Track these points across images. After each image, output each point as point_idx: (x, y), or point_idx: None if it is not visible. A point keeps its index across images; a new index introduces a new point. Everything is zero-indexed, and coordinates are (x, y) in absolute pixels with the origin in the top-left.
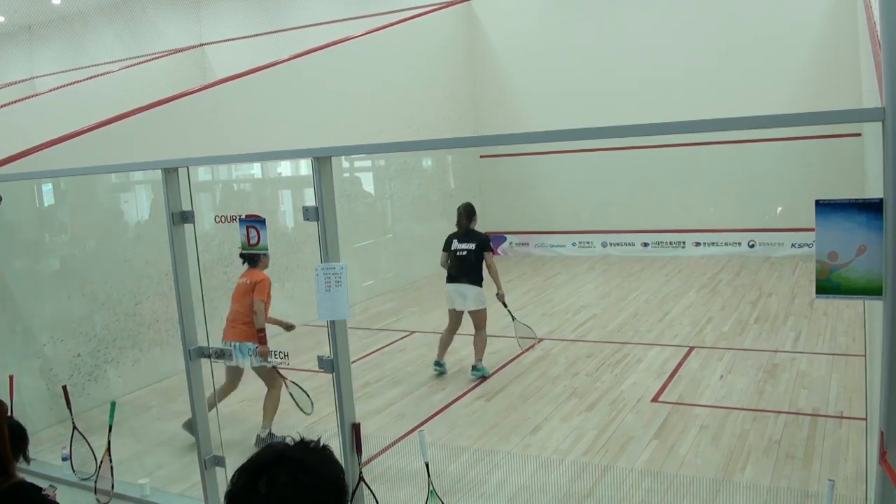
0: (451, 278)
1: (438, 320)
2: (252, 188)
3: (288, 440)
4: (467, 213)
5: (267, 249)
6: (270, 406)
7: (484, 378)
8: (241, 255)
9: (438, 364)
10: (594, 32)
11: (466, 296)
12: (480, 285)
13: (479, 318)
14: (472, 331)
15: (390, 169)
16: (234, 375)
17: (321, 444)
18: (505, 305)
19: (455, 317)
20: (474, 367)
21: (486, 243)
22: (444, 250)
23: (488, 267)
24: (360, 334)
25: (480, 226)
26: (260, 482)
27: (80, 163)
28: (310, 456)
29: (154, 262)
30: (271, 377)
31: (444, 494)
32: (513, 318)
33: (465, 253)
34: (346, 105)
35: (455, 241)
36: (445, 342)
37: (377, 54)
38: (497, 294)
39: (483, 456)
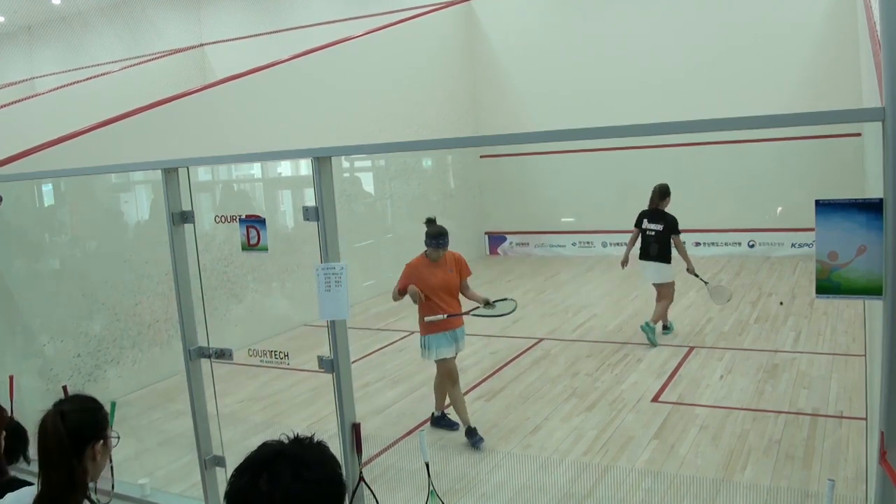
0: (642, 254)
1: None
2: (252, 188)
3: (282, 438)
4: (660, 194)
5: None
6: (450, 395)
7: (651, 342)
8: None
9: (667, 328)
10: (594, 32)
11: (653, 270)
12: (667, 262)
13: (665, 291)
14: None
15: (390, 169)
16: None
17: (315, 440)
18: (697, 276)
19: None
20: (647, 324)
21: (674, 226)
22: (635, 226)
23: (676, 247)
24: (360, 334)
25: (480, 225)
26: (261, 479)
27: (80, 163)
28: (307, 452)
29: (154, 262)
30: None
31: (444, 494)
32: (705, 282)
33: (653, 233)
34: (346, 105)
35: (645, 221)
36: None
37: (377, 54)
38: (687, 269)
39: (483, 456)
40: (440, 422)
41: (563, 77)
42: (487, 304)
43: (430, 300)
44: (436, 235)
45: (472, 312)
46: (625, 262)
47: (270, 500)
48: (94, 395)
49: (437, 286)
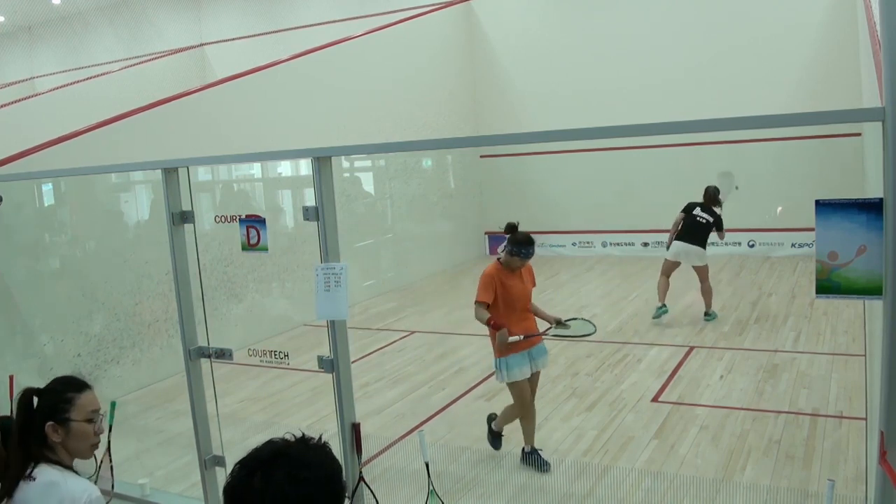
0: (685, 238)
1: (438, 320)
2: (252, 188)
3: (288, 436)
4: (715, 194)
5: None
6: (519, 419)
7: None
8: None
9: (662, 307)
10: (594, 32)
11: (694, 253)
12: (705, 248)
13: (703, 272)
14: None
15: (390, 169)
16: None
17: (322, 440)
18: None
19: (672, 266)
20: (706, 314)
21: (720, 223)
22: (682, 211)
23: (720, 237)
24: (360, 334)
25: (480, 225)
26: (255, 477)
27: (80, 163)
28: (308, 452)
29: (154, 262)
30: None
31: (444, 494)
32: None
33: (704, 221)
34: (346, 105)
35: (698, 209)
36: (664, 287)
37: (377, 54)
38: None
39: (483, 456)
40: (531, 458)
41: (563, 77)
42: (559, 323)
43: (508, 316)
44: (526, 243)
45: (549, 332)
46: (669, 244)
47: (262, 498)
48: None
49: (516, 299)
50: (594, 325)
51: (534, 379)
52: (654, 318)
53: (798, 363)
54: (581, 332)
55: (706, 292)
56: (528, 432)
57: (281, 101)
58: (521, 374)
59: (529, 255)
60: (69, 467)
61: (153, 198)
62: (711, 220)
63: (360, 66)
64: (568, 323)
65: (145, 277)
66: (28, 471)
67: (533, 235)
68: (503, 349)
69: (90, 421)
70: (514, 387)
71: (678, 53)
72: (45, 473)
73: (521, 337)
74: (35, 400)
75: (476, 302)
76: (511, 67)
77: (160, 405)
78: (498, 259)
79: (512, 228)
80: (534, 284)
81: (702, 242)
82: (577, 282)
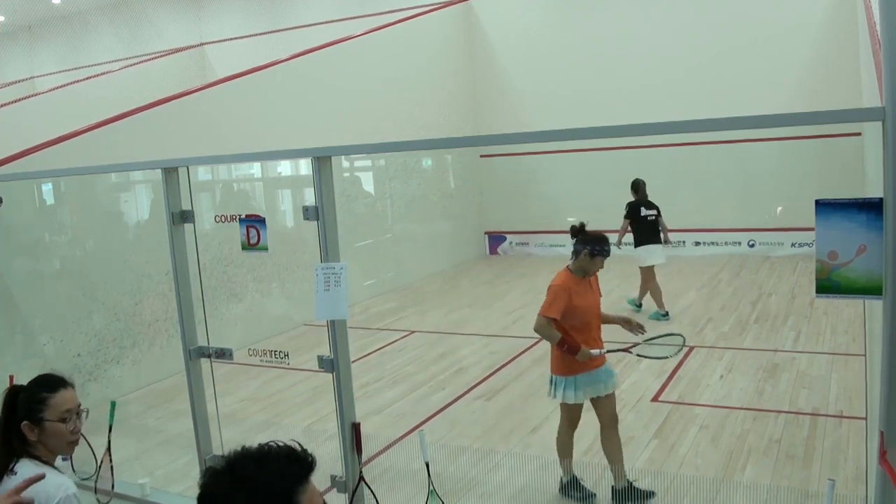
0: (650, 239)
1: (438, 320)
2: (252, 188)
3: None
4: (643, 185)
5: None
6: (607, 447)
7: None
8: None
9: (664, 315)
10: (594, 32)
11: (661, 251)
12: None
13: (654, 271)
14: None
15: (390, 169)
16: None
17: (272, 446)
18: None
19: (651, 271)
20: (635, 303)
21: (659, 210)
22: (628, 216)
23: (663, 228)
24: (360, 334)
25: (480, 225)
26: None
27: (80, 163)
28: (248, 465)
29: (154, 262)
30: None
31: (444, 494)
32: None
33: (653, 218)
34: (346, 105)
35: (642, 208)
36: (658, 292)
37: (377, 54)
38: (665, 241)
39: (483, 456)
40: (573, 489)
41: (563, 77)
42: (638, 327)
43: (583, 331)
44: (605, 240)
45: (633, 351)
46: (619, 244)
47: None
48: (94, 394)
49: (590, 311)
50: (682, 337)
51: (609, 402)
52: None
53: (798, 363)
54: (669, 354)
55: (652, 286)
56: (616, 450)
57: (281, 101)
58: (584, 395)
59: (609, 251)
60: (50, 462)
61: (153, 197)
62: (656, 212)
63: (359, 66)
64: (653, 338)
65: (145, 277)
66: (11, 465)
67: (533, 236)
68: (573, 367)
69: (63, 420)
70: (571, 409)
71: (678, 53)
72: (25, 468)
73: (603, 350)
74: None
75: (542, 316)
76: (511, 67)
77: (160, 405)
78: (567, 268)
79: (581, 228)
80: (601, 294)
81: (660, 238)
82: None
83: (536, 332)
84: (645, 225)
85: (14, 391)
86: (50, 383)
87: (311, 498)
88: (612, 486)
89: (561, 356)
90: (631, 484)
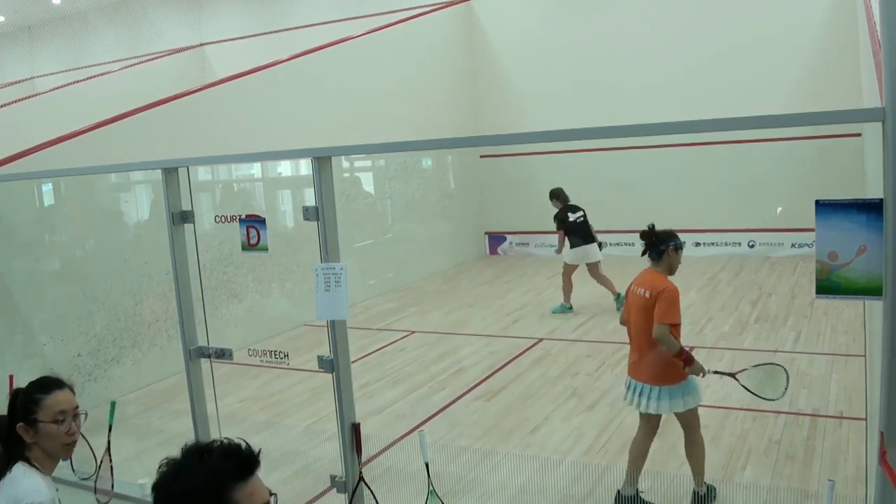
0: (584, 240)
1: (438, 320)
2: (252, 188)
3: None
4: (563, 191)
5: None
6: (696, 453)
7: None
8: (644, 241)
9: (569, 306)
10: (594, 32)
11: (596, 249)
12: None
13: (599, 266)
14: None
15: (390, 169)
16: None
17: (220, 442)
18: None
19: (575, 268)
20: (617, 298)
21: (584, 211)
22: (561, 223)
23: (591, 227)
24: (360, 334)
25: (480, 225)
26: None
27: (80, 163)
28: (192, 458)
29: (154, 262)
30: (692, 420)
31: (444, 494)
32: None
33: (582, 219)
34: (346, 105)
35: (569, 213)
36: (569, 288)
37: (377, 54)
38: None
39: (483, 456)
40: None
41: (564, 77)
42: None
43: (681, 334)
44: (676, 234)
45: (740, 378)
46: (559, 251)
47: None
48: (94, 394)
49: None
50: (783, 370)
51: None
52: (554, 311)
53: (798, 363)
54: (771, 395)
55: (606, 280)
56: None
57: (281, 102)
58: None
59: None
60: (43, 467)
61: (153, 198)
62: (583, 212)
63: (360, 66)
64: (751, 371)
65: (145, 277)
66: (10, 468)
67: (533, 236)
68: (675, 376)
69: (56, 422)
70: (653, 419)
71: (678, 53)
72: (18, 471)
73: (710, 371)
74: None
75: (663, 325)
76: (511, 67)
77: (160, 405)
78: (656, 271)
79: (653, 228)
80: None
81: (594, 237)
82: (576, 281)
83: (658, 340)
84: (576, 228)
85: (16, 393)
86: (45, 384)
87: (249, 495)
88: (695, 491)
89: (669, 365)
90: (638, 493)
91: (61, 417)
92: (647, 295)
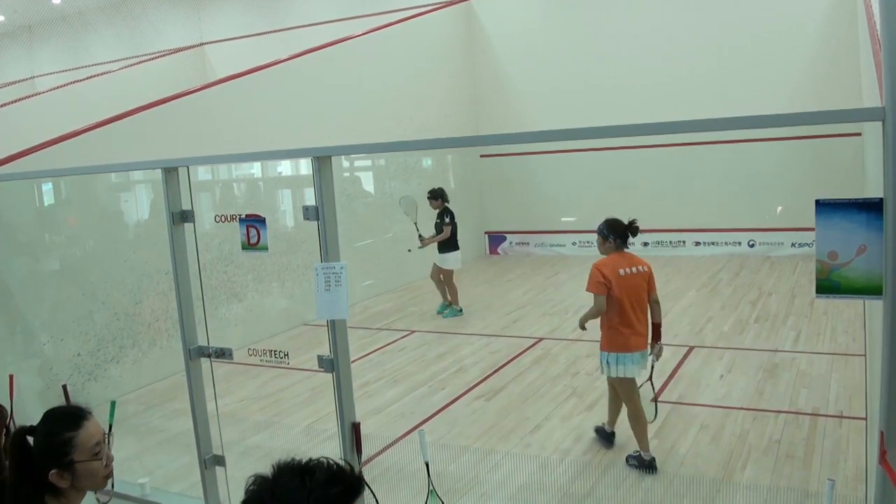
0: (454, 246)
1: (438, 320)
2: (252, 188)
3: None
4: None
5: None
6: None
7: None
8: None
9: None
10: (594, 32)
11: (459, 257)
12: None
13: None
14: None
15: (390, 169)
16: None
17: (321, 463)
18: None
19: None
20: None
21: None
22: (449, 224)
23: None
24: (360, 334)
25: (480, 225)
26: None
27: (80, 163)
28: (292, 481)
29: (154, 261)
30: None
31: (444, 494)
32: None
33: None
34: (346, 105)
35: (454, 216)
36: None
37: (377, 54)
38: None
39: (483, 456)
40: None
41: (564, 77)
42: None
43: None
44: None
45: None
46: (424, 246)
47: None
48: (94, 393)
49: None
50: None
51: None
52: (444, 314)
53: (798, 363)
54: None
55: (454, 287)
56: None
57: (281, 101)
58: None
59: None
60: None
61: (153, 197)
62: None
63: (360, 65)
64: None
65: (145, 277)
66: None
67: (533, 235)
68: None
69: (96, 455)
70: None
71: (678, 53)
72: None
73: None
74: (30, 441)
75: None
76: (511, 67)
77: (160, 405)
78: (630, 253)
79: (621, 221)
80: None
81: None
82: (576, 281)
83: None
84: (455, 231)
85: (23, 433)
86: (71, 418)
87: None
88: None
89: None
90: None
91: (97, 450)
92: (645, 270)
